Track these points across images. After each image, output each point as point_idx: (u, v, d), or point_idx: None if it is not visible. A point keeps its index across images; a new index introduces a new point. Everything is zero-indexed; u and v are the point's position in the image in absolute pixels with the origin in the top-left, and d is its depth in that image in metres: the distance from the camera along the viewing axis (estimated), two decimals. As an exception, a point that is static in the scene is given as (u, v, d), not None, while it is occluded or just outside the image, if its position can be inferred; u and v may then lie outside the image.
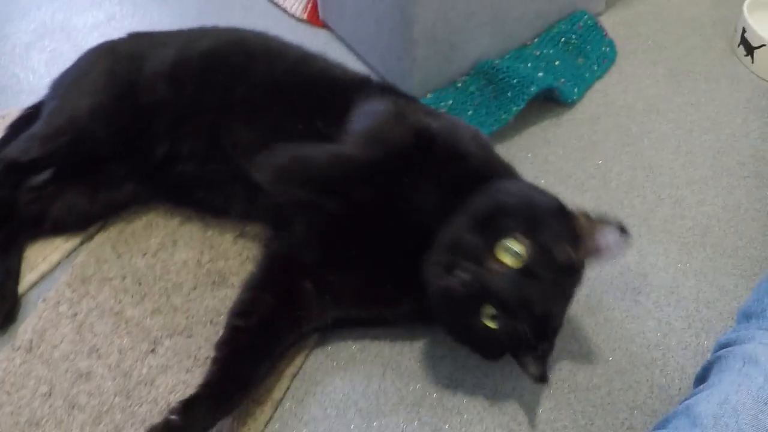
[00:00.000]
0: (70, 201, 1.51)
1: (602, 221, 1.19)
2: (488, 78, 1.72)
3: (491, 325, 1.14)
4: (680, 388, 1.31)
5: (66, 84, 1.53)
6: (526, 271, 1.12)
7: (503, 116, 1.66)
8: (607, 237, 1.17)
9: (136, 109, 1.43)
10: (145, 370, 1.33)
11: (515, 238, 1.13)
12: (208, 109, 1.41)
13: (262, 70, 1.44)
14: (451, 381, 1.32)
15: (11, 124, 1.62)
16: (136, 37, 1.58)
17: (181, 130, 1.42)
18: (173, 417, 1.14)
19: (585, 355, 1.35)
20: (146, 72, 1.45)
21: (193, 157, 1.42)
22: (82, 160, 1.47)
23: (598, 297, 1.43)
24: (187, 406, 1.16)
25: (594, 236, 1.18)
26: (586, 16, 1.89)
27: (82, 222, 1.54)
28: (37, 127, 1.48)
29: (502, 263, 1.13)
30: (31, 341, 1.37)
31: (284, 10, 2.13)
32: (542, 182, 1.61)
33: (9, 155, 1.47)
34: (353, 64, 1.88)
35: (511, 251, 1.12)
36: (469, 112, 1.69)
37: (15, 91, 1.90)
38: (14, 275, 1.46)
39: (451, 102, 1.70)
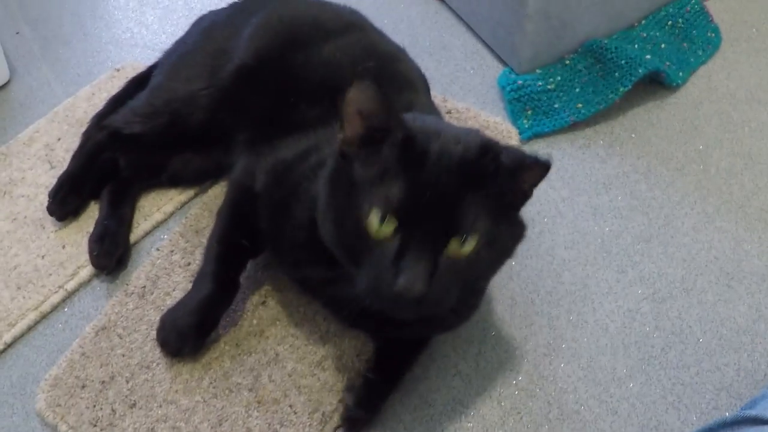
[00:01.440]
0: (187, 157, 1.54)
1: None
2: (596, 57, 1.71)
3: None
4: (766, 374, 1.32)
5: (172, 61, 1.54)
6: None
7: (610, 96, 1.66)
8: None
9: (237, 92, 1.42)
10: (255, 321, 1.37)
11: None
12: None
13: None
14: (548, 350, 1.34)
15: (129, 80, 1.65)
16: (237, 10, 1.55)
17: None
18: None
19: (677, 333, 1.36)
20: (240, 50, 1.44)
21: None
22: (183, 137, 1.48)
23: (693, 279, 1.43)
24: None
25: None
26: (693, 1, 1.86)
27: (197, 177, 1.57)
28: (139, 102, 1.50)
29: None
30: (144, 287, 1.41)
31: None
32: (644, 163, 1.61)
33: (113, 124, 1.49)
34: (464, 36, 1.89)
35: None
36: (577, 90, 1.69)
37: (129, 45, 1.93)
38: (127, 224, 1.50)
39: (559, 78, 1.70)
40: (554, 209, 1.54)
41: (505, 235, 1.04)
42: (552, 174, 1.54)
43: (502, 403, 1.28)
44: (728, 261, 1.46)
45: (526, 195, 1.06)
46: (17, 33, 1.96)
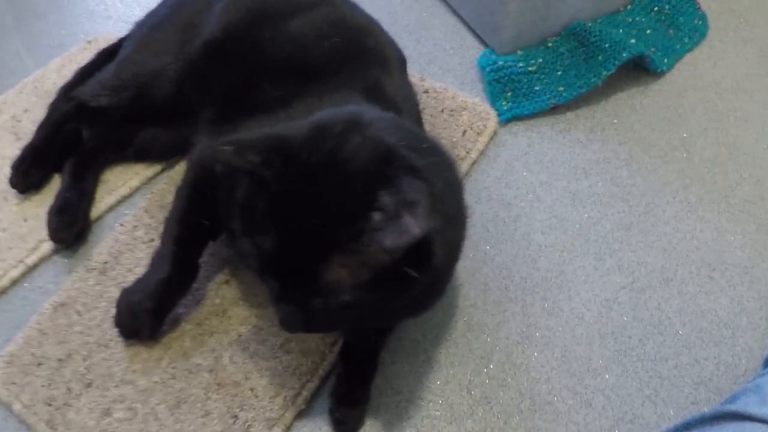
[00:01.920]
0: (155, 131, 1.48)
1: None
2: (580, 40, 1.64)
3: None
4: (746, 369, 1.27)
5: (142, 33, 1.47)
6: None
7: (592, 79, 1.60)
8: None
9: (203, 67, 1.36)
10: (218, 301, 1.31)
11: None
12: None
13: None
14: (521, 338, 1.29)
15: (99, 51, 1.59)
16: None
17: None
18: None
19: (655, 325, 1.31)
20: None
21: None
22: (150, 111, 1.42)
23: (674, 269, 1.37)
24: None
25: None
26: (680, -14, 1.80)
27: (164, 152, 1.51)
28: (107, 74, 1.44)
29: None
30: (105, 263, 1.35)
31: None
32: (626, 149, 1.55)
33: (80, 96, 1.43)
34: (444, 16, 1.83)
35: None
36: (558, 73, 1.63)
37: (103, 18, 1.87)
38: (88, 198, 1.44)
39: (540, 60, 1.64)
40: (531, 193, 1.48)
41: (388, 288, 0.94)
42: (530, 157, 1.53)
43: (472, 392, 1.22)
44: (710, 252, 1.41)
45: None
46: (-11, 4, 1.88)
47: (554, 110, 1.62)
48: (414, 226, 0.83)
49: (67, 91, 1.50)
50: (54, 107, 1.50)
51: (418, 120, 1.35)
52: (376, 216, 0.87)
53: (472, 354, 1.26)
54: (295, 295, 0.95)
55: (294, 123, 1.04)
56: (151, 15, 1.50)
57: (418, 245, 0.85)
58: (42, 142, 1.46)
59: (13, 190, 1.45)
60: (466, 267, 1.35)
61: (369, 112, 1.04)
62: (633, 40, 1.65)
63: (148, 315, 1.22)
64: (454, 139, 1.52)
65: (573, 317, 1.31)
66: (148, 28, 1.47)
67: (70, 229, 1.37)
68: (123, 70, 1.42)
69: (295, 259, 0.92)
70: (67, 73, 1.59)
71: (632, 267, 1.38)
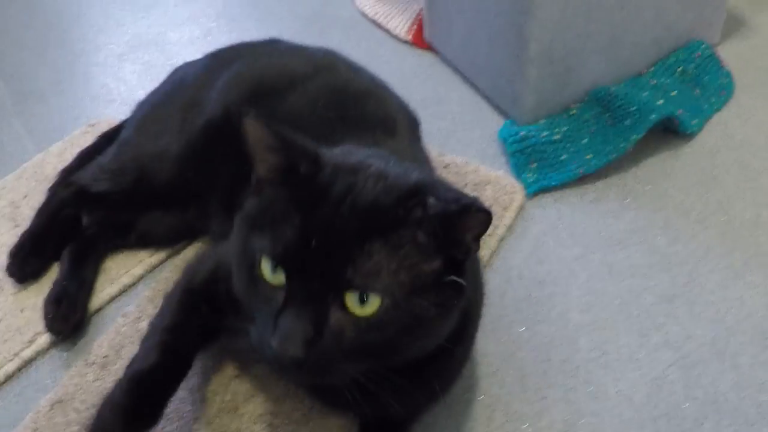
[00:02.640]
0: (157, 216, 1.38)
1: None
2: (604, 105, 1.55)
3: None
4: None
5: (142, 114, 1.40)
6: None
7: (621, 145, 1.49)
8: None
9: (205, 149, 1.28)
10: (228, 397, 1.17)
11: None
12: None
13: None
14: (565, 426, 1.14)
15: (100, 134, 1.52)
16: (213, 59, 1.41)
17: None
18: None
19: (710, 402, 1.16)
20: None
21: None
22: (152, 194, 1.33)
23: (725, 341, 1.24)
24: None
25: None
26: (703, 46, 1.71)
27: (169, 238, 1.41)
28: (107, 158, 1.36)
29: None
30: (106, 357, 1.24)
31: (388, 32, 1.98)
32: (662, 216, 1.44)
33: (80, 181, 1.36)
34: (460, 89, 1.75)
35: None
36: (585, 140, 1.53)
37: (106, 101, 1.81)
38: (88, 287, 1.33)
39: (565, 129, 1.53)
40: (566, 269, 1.35)
41: (428, 299, 0.81)
42: (561, 231, 1.40)
43: (515, 493, 1.07)
44: (762, 319, 1.27)
45: (468, 249, 0.84)
46: (-10, 87, 1.81)
47: (583, 180, 1.51)
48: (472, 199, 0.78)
49: (67, 175, 1.43)
50: (53, 192, 1.41)
51: None
52: (430, 200, 0.78)
53: (512, 449, 1.12)
54: (312, 300, 0.79)
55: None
56: (153, 94, 1.43)
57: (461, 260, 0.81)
58: (40, 228, 1.37)
59: (11, 279, 1.35)
60: (500, 351, 1.22)
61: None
62: (660, 102, 1.54)
63: (118, 418, 1.01)
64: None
65: (620, 400, 1.17)
66: (149, 108, 1.39)
67: (68, 319, 1.26)
68: (123, 153, 1.35)
69: (325, 247, 0.78)
70: (68, 157, 1.52)
71: (680, 341, 1.24)
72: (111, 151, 1.37)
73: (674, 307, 1.29)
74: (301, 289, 0.78)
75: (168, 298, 1.13)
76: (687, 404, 1.16)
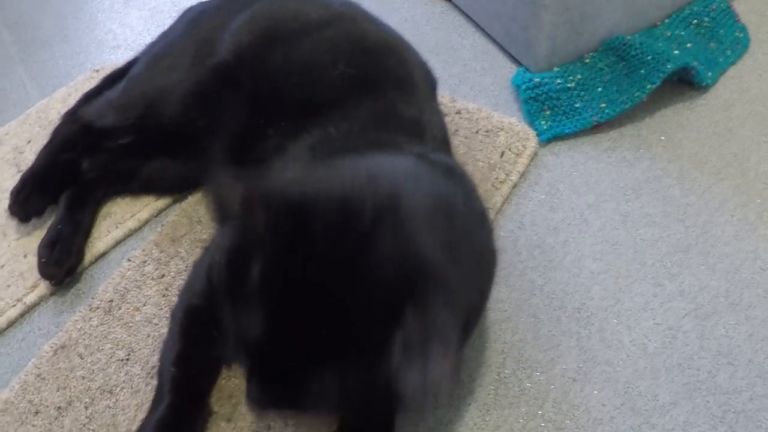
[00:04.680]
0: (162, 164, 1.33)
1: None
2: (619, 54, 1.49)
3: None
4: (828, 399, 1.07)
5: (152, 51, 1.34)
6: None
7: (636, 94, 1.43)
8: None
9: (213, 92, 1.22)
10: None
11: None
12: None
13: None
14: (578, 374, 1.10)
15: (105, 77, 1.45)
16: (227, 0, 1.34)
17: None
18: None
19: (725, 354, 1.12)
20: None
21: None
22: (159, 133, 1.27)
23: (739, 293, 1.20)
24: None
25: None
26: None
27: (173, 186, 1.36)
28: (115, 93, 1.32)
29: None
30: (111, 302, 1.20)
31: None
32: (677, 167, 1.38)
33: (86, 116, 1.32)
34: (473, 36, 1.68)
35: None
36: (599, 89, 1.47)
37: (111, 47, 1.75)
38: (83, 232, 1.29)
39: (579, 77, 1.48)
40: (579, 217, 1.31)
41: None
42: (575, 178, 1.34)
43: (527, 438, 1.03)
44: (777, 274, 1.22)
45: None
46: (-6, 37, 1.76)
47: (597, 128, 1.45)
48: (438, 368, 0.69)
49: (71, 115, 1.37)
50: (57, 131, 1.35)
51: (445, 143, 1.19)
52: (399, 337, 0.70)
53: (524, 394, 1.08)
54: (268, 382, 0.78)
55: (317, 173, 0.87)
56: (163, 34, 1.37)
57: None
58: (44, 166, 1.32)
59: (13, 225, 1.31)
60: (513, 298, 1.18)
61: (406, 189, 0.83)
62: (676, 52, 1.49)
63: None
64: (492, 161, 1.35)
65: (634, 349, 1.13)
66: (161, 46, 1.34)
67: (61, 264, 1.22)
68: (131, 87, 1.30)
69: (281, 355, 0.75)
70: (73, 102, 1.46)
71: (694, 292, 1.20)
72: (119, 87, 1.32)
73: (689, 258, 1.24)
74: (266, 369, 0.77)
75: (172, 320, 1.09)
76: (701, 354, 1.12)
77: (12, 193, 1.29)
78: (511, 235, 1.27)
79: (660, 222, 1.29)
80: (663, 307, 1.18)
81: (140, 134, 1.27)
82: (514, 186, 1.35)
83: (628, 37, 1.50)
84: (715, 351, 1.13)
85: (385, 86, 1.13)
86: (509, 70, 1.58)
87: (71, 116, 1.36)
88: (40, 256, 1.22)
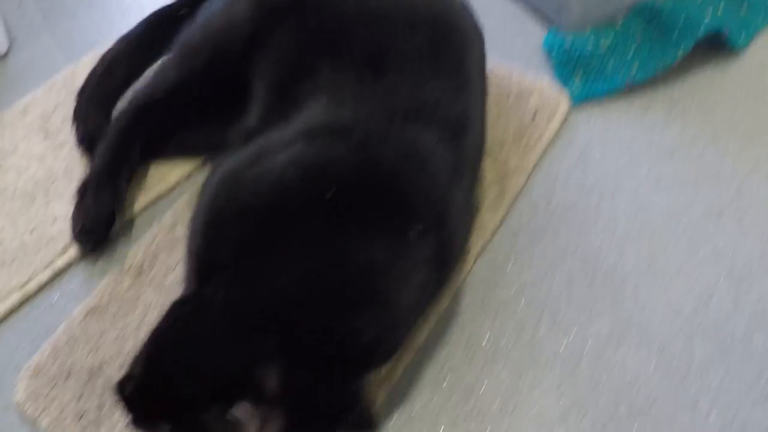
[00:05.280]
0: (200, 125, 1.32)
1: None
2: (650, 18, 1.47)
3: None
4: None
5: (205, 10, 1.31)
6: None
7: (668, 58, 1.41)
8: None
9: (271, 31, 1.18)
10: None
11: None
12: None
13: None
14: (613, 336, 1.09)
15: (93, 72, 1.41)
16: None
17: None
18: None
19: (760, 317, 1.11)
20: None
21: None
22: (220, 81, 1.23)
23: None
24: None
25: None
26: (750, -38, 1.61)
27: (209, 146, 1.30)
28: (171, 55, 1.29)
29: None
30: (142, 265, 1.19)
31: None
32: (710, 131, 1.37)
33: (143, 95, 1.30)
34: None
35: None
36: (630, 53, 1.44)
37: (137, 14, 1.60)
38: (120, 197, 1.26)
39: (611, 40, 1.46)
40: (612, 179, 1.29)
41: None
42: (607, 141, 1.32)
43: (562, 398, 1.03)
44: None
45: None
46: (20, 5, 1.74)
47: (629, 92, 1.43)
48: None
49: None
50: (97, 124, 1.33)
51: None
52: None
53: (559, 355, 1.07)
54: None
55: None
56: None
57: None
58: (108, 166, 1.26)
59: (42, 189, 1.30)
60: (547, 259, 1.17)
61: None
62: (708, 16, 1.46)
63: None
64: (524, 124, 1.34)
65: (669, 311, 1.12)
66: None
67: (95, 232, 1.21)
68: (192, 36, 1.27)
69: None
70: None
71: (728, 255, 1.18)
72: (173, 50, 1.29)
73: (722, 221, 1.23)
74: None
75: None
76: (737, 317, 1.11)
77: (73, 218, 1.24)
78: (545, 196, 1.26)
79: (693, 185, 1.28)
80: (697, 270, 1.17)
81: (201, 85, 1.24)
82: (546, 148, 1.33)
83: (660, 1, 1.48)
84: (751, 314, 1.11)
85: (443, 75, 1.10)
86: (540, 32, 1.56)
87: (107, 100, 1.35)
88: (74, 224, 1.21)
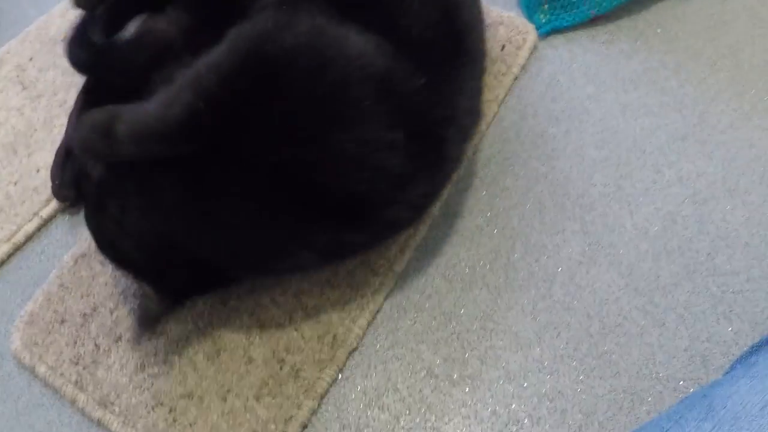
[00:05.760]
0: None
1: None
2: (615, -52, 1.49)
3: None
4: (820, 279, 1.12)
5: None
6: None
7: (632, -12, 1.44)
8: None
9: None
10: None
11: None
12: None
13: None
14: (583, 257, 1.15)
15: None
16: None
17: None
18: None
19: (723, 237, 1.17)
20: None
21: None
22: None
23: (735, 179, 1.23)
24: None
25: None
26: None
27: None
28: None
29: None
30: None
31: None
32: (673, 59, 1.40)
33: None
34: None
35: None
36: (594, -17, 1.46)
37: None
38: None
39: (574, -28, 1.48)
40: (580, 107, 1.33)
41: None
42: (574, 71, 1.37)
43: (537, 318, 1.09)
44: (770, 160, 1.26)
45: None
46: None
47: (594, 21, 1.46)
48: None
49: None
50: None
51: None
52: None
53: (533, 277, 1.13)
54: None
55: None
56: None
57: None
58: None
59: (23, 141, 1.32)
60: (518, 186, 1.22)
61: None
62: (672, -54, 1.49)
63: None
64: (493, 55, 1.37)
65: (636, 233, 1.17)
66: None
67: (74, 185, 1.22)
68: None
69: None
70: (72, 17, 1.43)
71: (692, 178, 1.23)
72: None
73: (686, 146, 1.28)
74: None
75: None
76: (700, 238, 1.16)
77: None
78: (515, 125, 1.30)
79: (658, 112, 1.32)
80: (662, 193, 1.22)
81: None
82: (516, 78, 1.37)
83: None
84: (714, 235, 1.17)
85: None
86: (506, -34, 1.57)
87: None
88: (53, 177, 1.23)
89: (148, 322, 0.99)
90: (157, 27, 1.12)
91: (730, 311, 1.09)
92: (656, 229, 1.17)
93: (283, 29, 0.91)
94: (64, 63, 1.32)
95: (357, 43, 0.91)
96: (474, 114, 1.09)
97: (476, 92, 1.09)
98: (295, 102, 0.87)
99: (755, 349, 0.94)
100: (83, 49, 1.18)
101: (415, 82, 0.92)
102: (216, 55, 0.89)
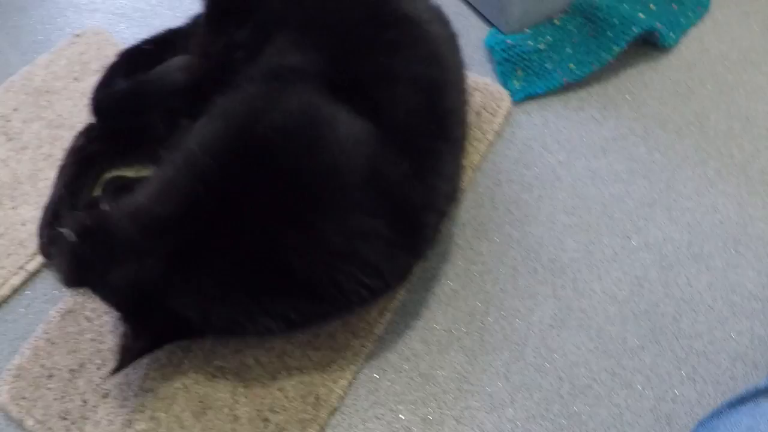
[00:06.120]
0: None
1: None
2: (587, 16, 1.57)
3: None
4: (781, 341, 1.20)
5: None
6: None
7: (603, 56, 1.52)
8: None
9: None
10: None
11: None
12: None
13: None
14: (555, 321, 1.22)
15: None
16: None
17: None
18: None
19: (687, 301, 1.24)
20: None
21: None
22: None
23: (700, 244, 1.31)
24: None
25: None
26: (680, -39, 1.73)
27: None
28: None
29: None
30: None
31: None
32: (641, 125, 1.49)
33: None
34: (445, -2, 1.74)
35: None
36: (568, 50, 1.55)
37: (89, 10, 1.72)
38: (82, 208, 1.31)
39: (549, 38, 1.56)
40: (551, 173, 1.40)
41: None
42: (547, 137, 1.45)
43: (510, 380, 1.15)
44: (734, 225, 1.34)
45: None
46: (-33, 3, 1.76)
47: (566, 88, 1.54)
48: None
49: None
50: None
51: None
52: None
53: (507, 340, 1.19)
54: None
55: None
56: None
57: None
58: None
59: (7, 193, 1.34)
60: (492, 251, 1.28)
61: None
62: (641, 14, 1.58)
63: None
64: (469, 121, 1.43)
65: (605, 297, 1.24)
66: None
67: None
68: None
69: None
70: (56, 69, 1.52)
71: (659, 244, 1.31)
72: None
73: (653, 212, 1.35)
74: None
75: None
76: (666, 302, 1.23)
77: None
78: (489, 191, 1.37)
79: (626, 178, 1.40)
80: (630, 258, 1.29)
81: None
82: (490, 144, 1.44)
83: (596, 0, 1.59)
84: (679, 298, 1.24)
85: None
86: (482, 31, 1.65)
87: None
88: (40, 235, 1.25)
89: (125, 357, 1.02)
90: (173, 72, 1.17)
91: (694, 372, 1.16)
92: (624, 293, 1.24)
93: (274, 107, 0.96)
94: (50, 115, 1.39)
95: (347, 126, 0.97)
96: (452, 198, 1.16)
97: (456, 175, 1.16)
98: (284, 185, 0.93)
99: (715, 414, 1.00)
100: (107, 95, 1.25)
101: (400, 167, 0.98)
102: (208, 133, 0.94)
